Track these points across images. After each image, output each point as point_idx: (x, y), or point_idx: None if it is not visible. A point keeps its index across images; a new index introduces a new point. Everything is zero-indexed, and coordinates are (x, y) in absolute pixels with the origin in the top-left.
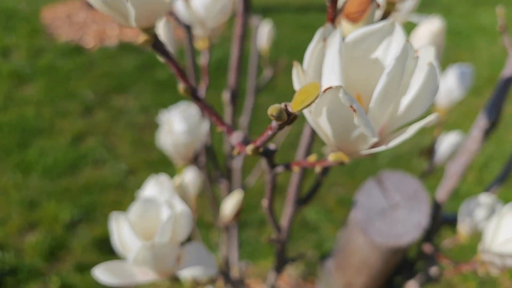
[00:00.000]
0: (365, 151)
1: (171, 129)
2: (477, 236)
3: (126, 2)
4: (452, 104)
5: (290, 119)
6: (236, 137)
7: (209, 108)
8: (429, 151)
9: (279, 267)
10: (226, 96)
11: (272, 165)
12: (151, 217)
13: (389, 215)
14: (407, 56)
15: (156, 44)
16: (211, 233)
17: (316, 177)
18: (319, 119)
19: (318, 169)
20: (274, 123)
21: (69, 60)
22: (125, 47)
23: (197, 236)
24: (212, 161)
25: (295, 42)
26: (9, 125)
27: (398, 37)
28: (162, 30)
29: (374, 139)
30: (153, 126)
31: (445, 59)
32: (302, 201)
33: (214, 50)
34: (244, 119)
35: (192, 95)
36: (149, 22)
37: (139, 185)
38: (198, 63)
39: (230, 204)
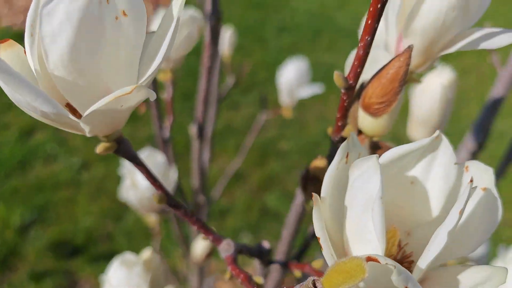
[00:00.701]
0: None
1: (135, 182)
2: None
3: (77, 122)
4: None
5: None
6: (225, 250)
7: (190, 216)
8: None
9: None
10: (193, 129)
11: (268, 263)
12: None
13: None
14: (468, 201)
15: (120, 149)
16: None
17: (305, 237)
18: None
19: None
20: None
21: None
22: None
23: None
24: (179, 197)
25: (247, 21)
26: None
27: (444, 156)
28: None
29: None
30: None
31: None
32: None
33: None
34: (207, 131)
35: (169, 203)
36: (108, 131)
37: (94, 179)
38: (161, 97)
39: (201, 245)
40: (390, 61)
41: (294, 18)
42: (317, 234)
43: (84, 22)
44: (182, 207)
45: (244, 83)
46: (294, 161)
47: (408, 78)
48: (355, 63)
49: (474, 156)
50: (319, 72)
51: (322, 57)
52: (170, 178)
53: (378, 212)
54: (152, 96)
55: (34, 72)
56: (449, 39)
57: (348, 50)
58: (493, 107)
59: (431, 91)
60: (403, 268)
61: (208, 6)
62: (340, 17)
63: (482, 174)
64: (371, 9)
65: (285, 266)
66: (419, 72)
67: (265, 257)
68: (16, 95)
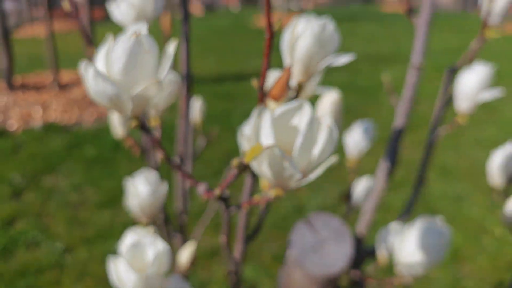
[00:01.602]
0: (294, 184)
1: (137, 192)
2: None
3: (129, 100)
4: (360, 154)
5: (244, 167)
6: (202, 188)
7: (182, 171)
8: (347, 196)
9: None
10: (176, 161)
11: (227, 206)
12: (139, 256)
13: (321, 249)
14: (313, 123)
15: (143, 127)
16: None
17: (259, 215)
18: (262, 166)
19: (262, 204)
20: (234, 170)
21: None
22: (50, 128)
23: None
24: (166, 219)
25: (214, 110)
26: None
27: (306, 111)
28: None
29: (299, 176)
30: (87, 203)
31: (356, 112)
32: (250, 237)
33: None
34: (186, 183)
35: (168, 161)
36: (140, 112)
37: (77, 262)
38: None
39: (185, 254)
40: (281, 74)
41: None
42: (245, 148)
43: (130, 53)
44: (175, 163)
45: (217, 171)
46: (265, 234)
47: (301, 91)
48: (263, 75)
49: (388, 174)
50: None
51: None
52: (162, 190)
53: (269, 129)
54: (160, 86)
55: None
56: (318, 62)
57: None
58: (397, 136)
59: (325, 105)
60: (280, 149)
61: (184, 69)
62: None
63: (327, 120)
64: (266, 45)
65: (239, 206)
66: (309, 87)
67: (226, 200)
68: (100, 84)
